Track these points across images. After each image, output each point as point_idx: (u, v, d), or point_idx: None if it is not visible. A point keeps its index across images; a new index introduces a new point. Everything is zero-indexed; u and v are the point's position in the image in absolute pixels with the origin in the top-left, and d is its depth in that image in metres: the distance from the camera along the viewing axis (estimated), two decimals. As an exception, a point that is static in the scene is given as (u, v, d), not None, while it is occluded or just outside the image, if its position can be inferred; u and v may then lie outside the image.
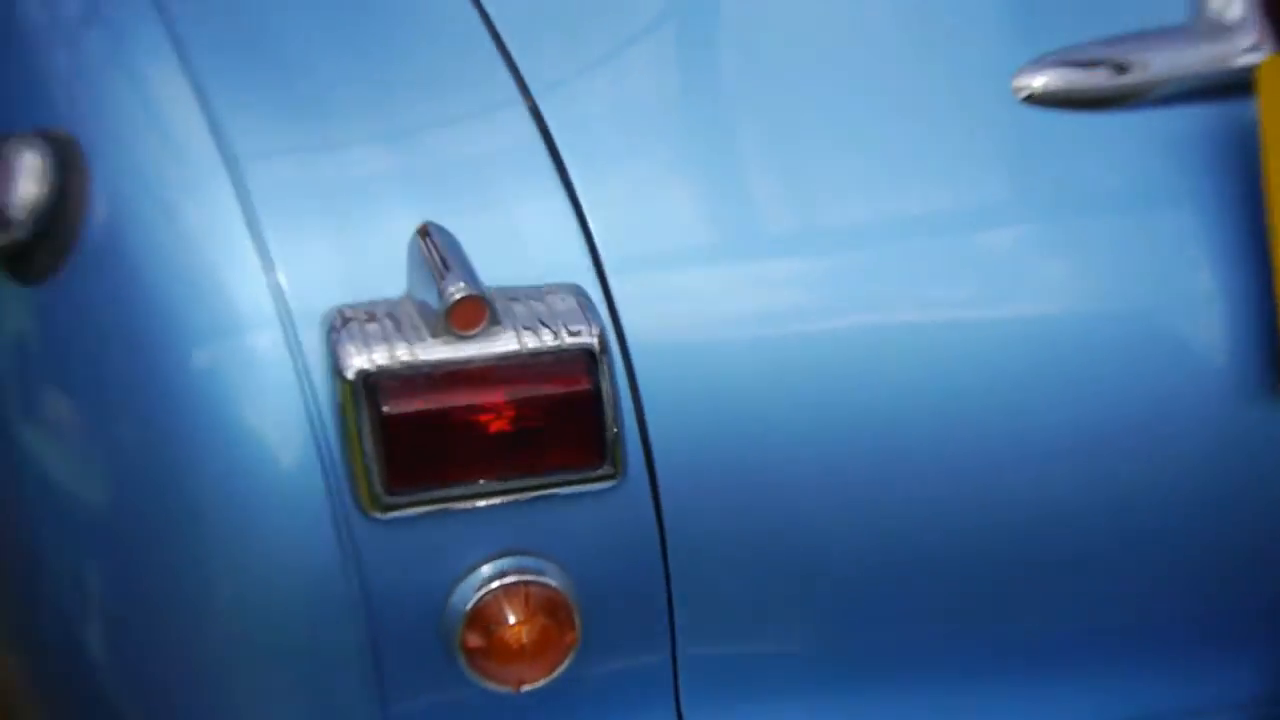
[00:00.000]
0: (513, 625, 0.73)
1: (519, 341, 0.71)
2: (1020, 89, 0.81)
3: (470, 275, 0.70)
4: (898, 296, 0.80)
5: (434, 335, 0.70)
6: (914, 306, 0.81)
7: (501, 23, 0.80)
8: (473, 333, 0.70)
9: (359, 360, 0.69)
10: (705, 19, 0.86)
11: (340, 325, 0.70)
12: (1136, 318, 0.82)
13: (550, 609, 0.74)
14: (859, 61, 0.82)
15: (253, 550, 0.73)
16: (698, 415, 0.76)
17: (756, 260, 0.80)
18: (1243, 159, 0.80)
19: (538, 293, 0.73)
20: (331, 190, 0.75)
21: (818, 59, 0.81)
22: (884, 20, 0.84)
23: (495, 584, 0.73)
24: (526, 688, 0.75)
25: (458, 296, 0.69)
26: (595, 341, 0.72)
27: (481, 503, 0.72)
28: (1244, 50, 0.82)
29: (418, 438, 0.70)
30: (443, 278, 0.69)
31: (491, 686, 0.75)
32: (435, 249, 0.71)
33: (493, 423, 0.70)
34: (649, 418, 0.75)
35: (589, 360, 0.72)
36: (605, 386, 0.72)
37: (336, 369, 0.69)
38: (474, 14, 0.80)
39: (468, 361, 0.70)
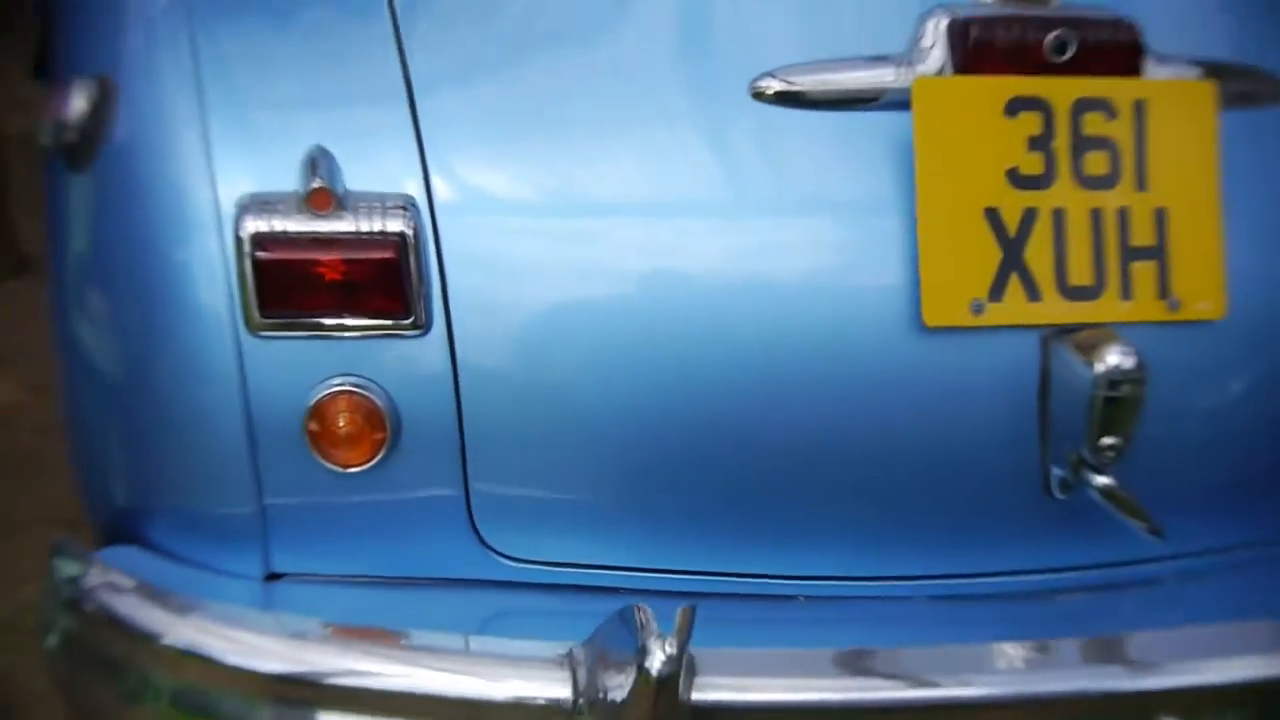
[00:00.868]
0: (338, 418, 1.08)
1: (355, 224, 1.06)
2: (756, 91, 1.11)
3: (329, 176, 1.06)
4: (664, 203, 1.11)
5: (299, 213, 1.06)
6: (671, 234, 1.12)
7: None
8: (324, 214, 1.05)
9: (249, 225, 1.06)
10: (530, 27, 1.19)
11: (245, 205, 1.07)
12: (828, 270, 1.12)
13: (365, 412, 1.08)
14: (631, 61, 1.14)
15: (184, 352, 1.10)
16: (493, 291, 1.10)
17: (549, 197, 1.13)
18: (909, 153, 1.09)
19: (381, 196, 1.08)
20: (258, 115, 1.11)
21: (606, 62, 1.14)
22: (653, 30, 1.15)
23: (330, 389, 1.08)
24: (352, 469, 1.10)
25: (314, 185, 1.04)
26: (411, 232, 1.06)
27: (323, 332, 1.07)
28: (930, 73, 1.11)
29: (279, 279, 1.06)
30: (311, 176, 1.05)
31: (326, 465, 1.09)
32: (315, 159, 1.07)
33: (328, 274, 1.05)
34: (451, 290, 1.08)
35: (402, 243, 1.06)
36: (413, 263, 1.06)
37: (236, 232, 1.06)
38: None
39: (316, 232, 1.05)
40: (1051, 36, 1.10)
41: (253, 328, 1.07)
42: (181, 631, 1.07)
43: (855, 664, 1.02)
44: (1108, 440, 1.06)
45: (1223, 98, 1.13)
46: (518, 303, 1.10)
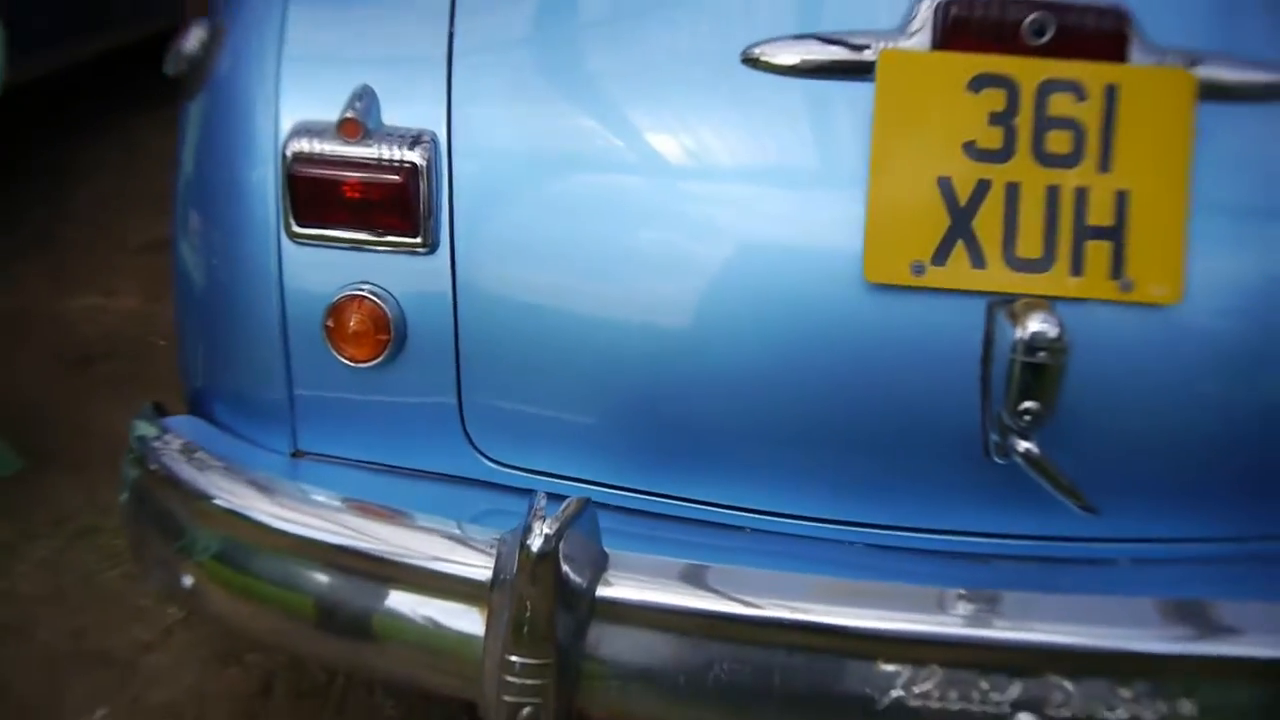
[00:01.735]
0: (350, 317, 1.25)
1: (378, 151, 1.23)
2: (748, 57, 1.21)
3: (364, 111, 1.23)
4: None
5: (332, 139, 1.23)
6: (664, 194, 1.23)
7: None
8: (353, 140, 1.23)
9: (293, 146, 1.24)
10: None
11: (294, 130, 1.26)
12: (793, 224, 1.20)
13: (373, 315, 1.25)
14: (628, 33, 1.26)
15: (241, 253, 1.30)
16: (495, 223, 1.24)
17: (552, 147, 1.25)
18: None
19: (406, 130, 1.24)
20: (321, 63, 1.30)
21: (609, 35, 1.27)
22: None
23: (346, 292, 1.25)
24: (360, 364, 1.27)
25: (346, 116, 1.22)
26: (424, 163, 1.22)
27: (346, 243, 1.25)
28: (906, 49, 1.17)
29: (311, 193, 1.24)
30: (346, 109, 1.23)
31: (339, 358, 1.27)
32: (357, 96, 1.24)
33: (349, 192, 1.23)
34: (457, 218, 1.24)
35: (415, 171, 1.22)
36: (425, 189, 1.22)
37: (283, 152, 1.25)
38: None
39: (344, 155, 1.23)
40: (1030, 19, 1.15)
41: (290, 235, 1.26)
42: (225, 493, 1.28)
43: (748, 583, 1.11)
44: (1026, 404, 1.10)
45: (1206, 90, 1.15)
46: (517, 235, 1.24)
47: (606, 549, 1.13)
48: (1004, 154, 1.14)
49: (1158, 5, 1.17)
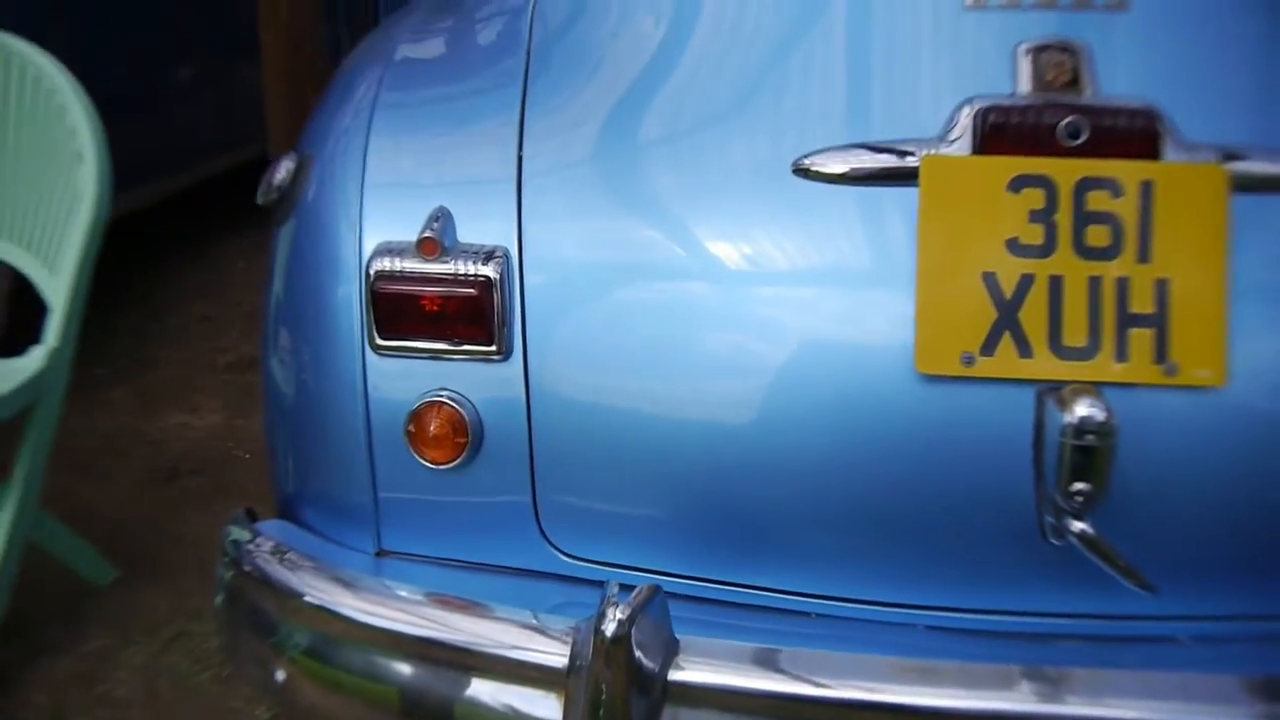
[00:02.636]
0: (431, 422, 1.33)
1: (454, 267, 1.32)
2: (799, 168, 1.29)
3: (441, 231, 1.32)
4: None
5: (412, 257, 1.33)
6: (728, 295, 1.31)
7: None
8: (431, 258, 1.32)
9: (375, 265, 1.34)
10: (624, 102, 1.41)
11: (376, 250, 1.35)
12: (843, 320, 1.26)
13: (452, 419, 1.33)
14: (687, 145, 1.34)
15: (329, 365, 1.39)
16: (565, 332, 1.32)
17: (618, 258, 1.33)
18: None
19: (480, 247, 1.33)
20: (400, 187, 1.40)
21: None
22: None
23: (426, 399, 1.33)
24: (440, 466, 1.34)
25: (425, 235, 1.31)
26: (498, 277, 1.31)
27: (425, 353, 1.33)
28: (948, 155, 1.25)
29: (393, 308, 1.33)
30: (425, 228, 1.32)
31: (421, 461, 1.34)
32: (434, 217, 1.34)
33: (428, 305, 1.31)
34: (530, 327, 1.32)
35: (489, 285, 1.31)
36: (499, 301, 1.31)
37: (366, 270, 1.34)
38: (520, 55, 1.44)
39: (423, 271, 1.32)
40: (1065, 123, 1.22)
41: (374, 347, 1.35)
42: (314, 591, 1.35)
43: (819, 665, 1.15)
44: (1078, 486, 1.14)
45: (1239, 182, 1.20)
46: (585, 341, 1.32)
47: (677, 635, 1.18)
48: (1046, 249, 1.20)
49: (1188, 104, 1.24)
